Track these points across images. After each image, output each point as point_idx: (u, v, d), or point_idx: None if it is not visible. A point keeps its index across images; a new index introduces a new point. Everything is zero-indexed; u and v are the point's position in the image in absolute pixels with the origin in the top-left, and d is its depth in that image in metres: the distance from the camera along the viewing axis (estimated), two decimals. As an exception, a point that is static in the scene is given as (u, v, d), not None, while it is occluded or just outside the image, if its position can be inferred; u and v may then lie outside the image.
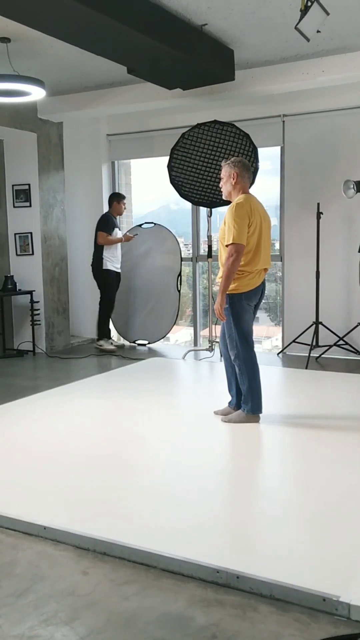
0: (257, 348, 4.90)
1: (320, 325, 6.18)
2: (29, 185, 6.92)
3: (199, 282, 7.36)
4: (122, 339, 7.57)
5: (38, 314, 6.98)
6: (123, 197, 7.09)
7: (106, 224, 6.90)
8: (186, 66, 5.16)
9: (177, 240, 7.21)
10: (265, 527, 2.68)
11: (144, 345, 7.30)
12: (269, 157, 6.77)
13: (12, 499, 2.98)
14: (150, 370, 5.93)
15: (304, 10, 3.93)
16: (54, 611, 2.10)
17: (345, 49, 5.31)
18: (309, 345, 6.11)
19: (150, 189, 7.96)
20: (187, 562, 2.31)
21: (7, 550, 2.53)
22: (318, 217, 6.12)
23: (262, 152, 6.23)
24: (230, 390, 4.30)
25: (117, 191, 7.52)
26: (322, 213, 6.13)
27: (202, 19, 4.64)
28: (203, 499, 2.95)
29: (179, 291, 7.12)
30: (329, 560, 2.35)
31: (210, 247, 6.50)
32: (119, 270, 7.10)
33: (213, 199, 6.20)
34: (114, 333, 7.52)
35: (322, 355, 6.29)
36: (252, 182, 5.56)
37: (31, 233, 6.98)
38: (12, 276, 6.88)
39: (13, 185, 7.00)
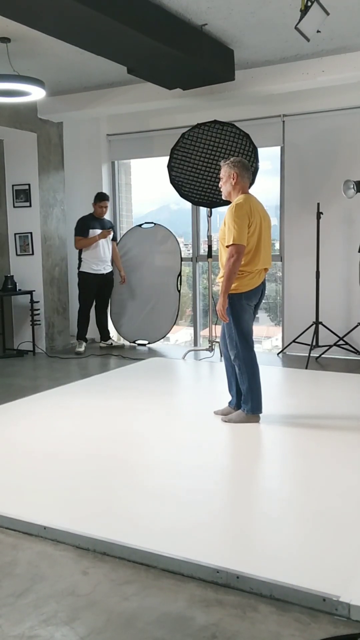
0: (257, 348, 4.90)
1: (320, 325, 6.18)
2: (29, 185, 6.92)
3: (199, 282, 7.36)
4: (122, 339, 7.57)
5: (38, 314, 6.99)
6: (102, 199, 6.91)
7: (79, 227, 6.85)
8: (186, 66, 5.16)
9: (177, 240, 7.20)
10: (265, 527, 2.68)
11: (144, 345, 7.30)
12: (269, 157, 6.77)
13: (12, 499, 2.98)
14: (150, 370, 5.93)
15: (304, 10, 3.93)
16: (54, 611, 2.10)
17: (345, 49, 5.31)
18: (309, 345, 6.11)
19: (150, 189, 7.96)
20: (187, 562, 2.31)
21: (7, 550, 2.53)
22: (318, 217, 6.12)
23: (262, 152, 6.23)
24: (230, 390, 4.30)
25: (115, 191, 7.51)
26: (322, 213, 6.13)
27: (202, 19, 4.64)
28: (203, 499, 2.95)
29: (179, 291, 7.12)
30: (329, 560, 2.35)
31: (210, 247, 6.50)
32: (104, 272, 6.96)
33: (213, 199, 6.20)
34: (113, 333, 7.52)
35: (322, 355, 6.29)
36: (252, 182, 5.57)
37: (31, 233, 6.98)
38: (12, 276, 6.89)
39: (13, 185, 7.01)
